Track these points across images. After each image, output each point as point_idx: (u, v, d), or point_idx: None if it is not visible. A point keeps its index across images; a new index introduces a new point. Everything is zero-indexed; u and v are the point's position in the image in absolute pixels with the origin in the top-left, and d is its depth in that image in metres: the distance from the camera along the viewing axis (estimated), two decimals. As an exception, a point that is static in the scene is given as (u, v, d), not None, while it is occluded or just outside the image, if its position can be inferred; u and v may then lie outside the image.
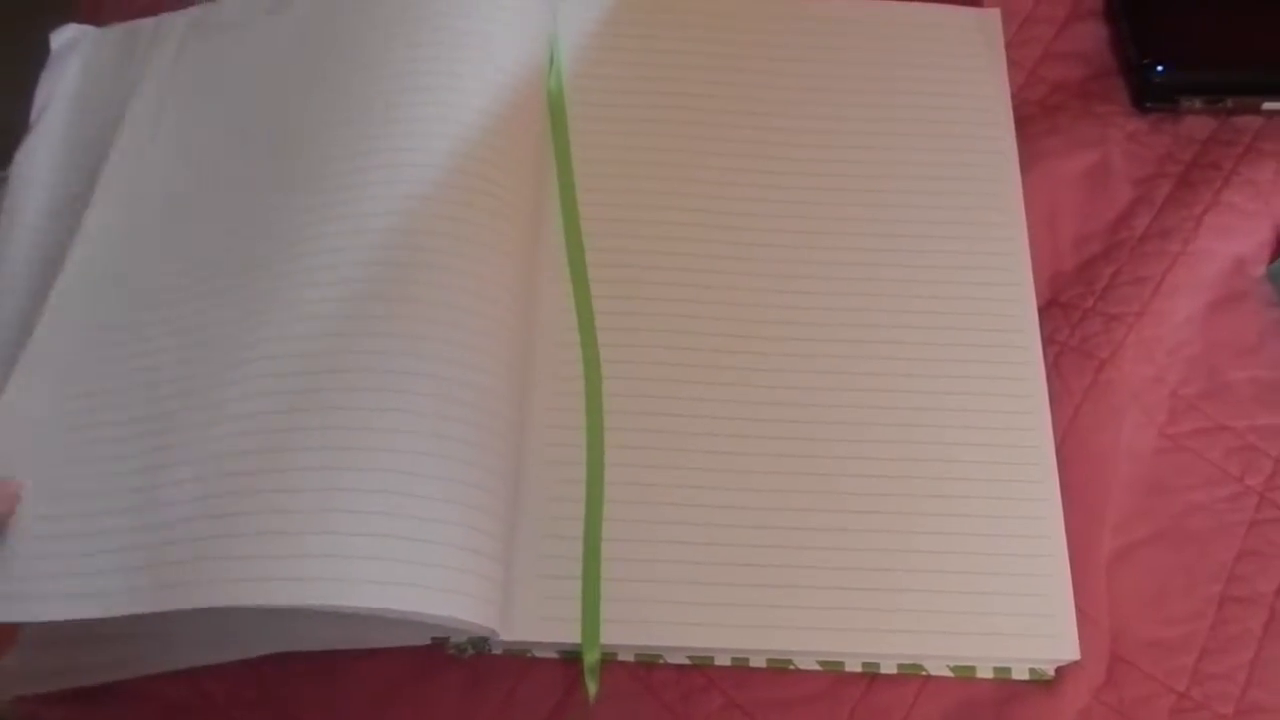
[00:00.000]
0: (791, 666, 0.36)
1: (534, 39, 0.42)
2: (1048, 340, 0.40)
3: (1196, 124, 0.44)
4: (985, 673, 0.35)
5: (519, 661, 0.36)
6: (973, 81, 0.44)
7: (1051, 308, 0.41)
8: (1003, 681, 0.35)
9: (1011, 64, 0.45)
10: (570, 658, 0.35)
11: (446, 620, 0.32)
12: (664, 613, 0.35)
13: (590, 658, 0.34)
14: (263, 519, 0.31)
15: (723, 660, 0.36)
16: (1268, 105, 0.43)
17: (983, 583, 0.35)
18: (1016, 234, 0.41)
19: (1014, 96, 0.44)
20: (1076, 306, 0.41)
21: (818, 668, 0.35)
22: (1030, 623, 0.35)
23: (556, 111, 0.43)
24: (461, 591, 0.32)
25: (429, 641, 0.35)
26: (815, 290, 0.40)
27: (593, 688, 0.34)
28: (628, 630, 0.35)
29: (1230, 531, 0.38)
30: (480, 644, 0.35)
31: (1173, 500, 0.38)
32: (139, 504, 0.33)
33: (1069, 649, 0.35)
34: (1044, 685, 0.35)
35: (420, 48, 0.39)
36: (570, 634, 0.34)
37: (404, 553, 0.31)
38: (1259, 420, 0.39)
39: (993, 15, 0.45)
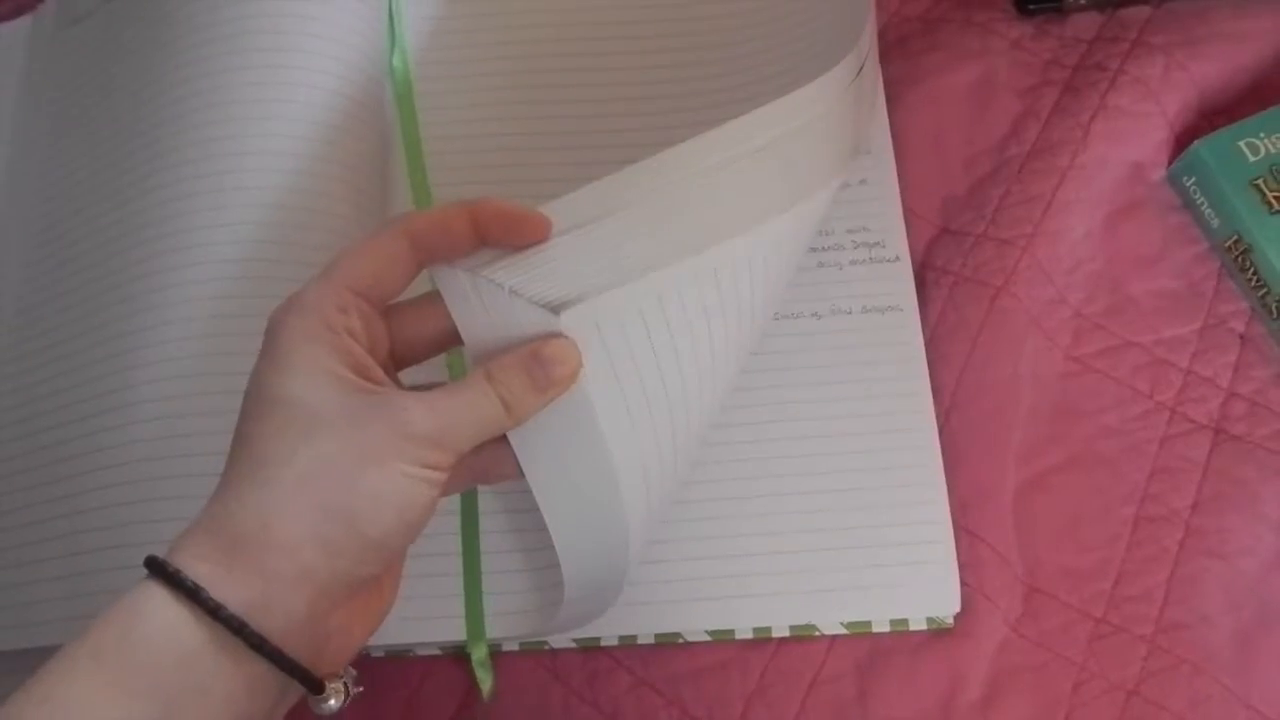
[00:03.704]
0: (680, 640, 0.35)
1: (370, 19, 0.40)
2: (941, 270, 0.38)
3: (1082, 22, 0.41)
4: (882, 626, 0.35)
5: (421, 663, 0.35)
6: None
7: (944, 236, 0.39)
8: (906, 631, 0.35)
9: (888, -22, 0.42)
10: (464, 655, 0.35)
11: None
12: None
13: (478, 653, 0.34)
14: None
15: (609, 641, 0.35)
16: (1157, -8, 0.41)
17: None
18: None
19: (894, 14, 0.42)
20: (968, 233, 0.39)
21: (707, 638, 0.35)
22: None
23: (402, 88, 0.40)
24: None
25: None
26: None
27: (486, 684, 0.34)
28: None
29: (1142, 450, 0.37)
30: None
31: (1083, 424, 0.37)
32: None
33: (950, 604, 0.34)
34: (959, 625, 0.35)
35: (252, 36, 0.37)
36: (449, 632, 0.34)
37: None
38: (1165, 333, 0.38)
39: None
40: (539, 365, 0.25)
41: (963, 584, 0.35)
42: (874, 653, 0.35)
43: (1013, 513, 0.36)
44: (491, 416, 0.25)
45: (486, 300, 0.26)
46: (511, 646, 0.35)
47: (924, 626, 0.35)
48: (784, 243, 0.32)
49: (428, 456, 0.24)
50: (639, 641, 0.35)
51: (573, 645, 0.35)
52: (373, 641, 0.32)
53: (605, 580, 0.31)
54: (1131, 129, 0.39)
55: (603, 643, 0.35)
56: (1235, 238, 0.37)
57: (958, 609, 0.34)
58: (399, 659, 0.35)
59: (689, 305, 0.28)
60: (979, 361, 0.37)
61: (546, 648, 0.35)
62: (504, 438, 0.27)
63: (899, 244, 0.39)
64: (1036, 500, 0.36)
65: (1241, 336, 0.38)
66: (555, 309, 0.26)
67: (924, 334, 0.38)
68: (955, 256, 0.38)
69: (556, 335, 0.26)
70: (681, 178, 0.28)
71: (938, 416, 0.37)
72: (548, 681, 0.35)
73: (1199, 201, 0.38)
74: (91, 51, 0.41)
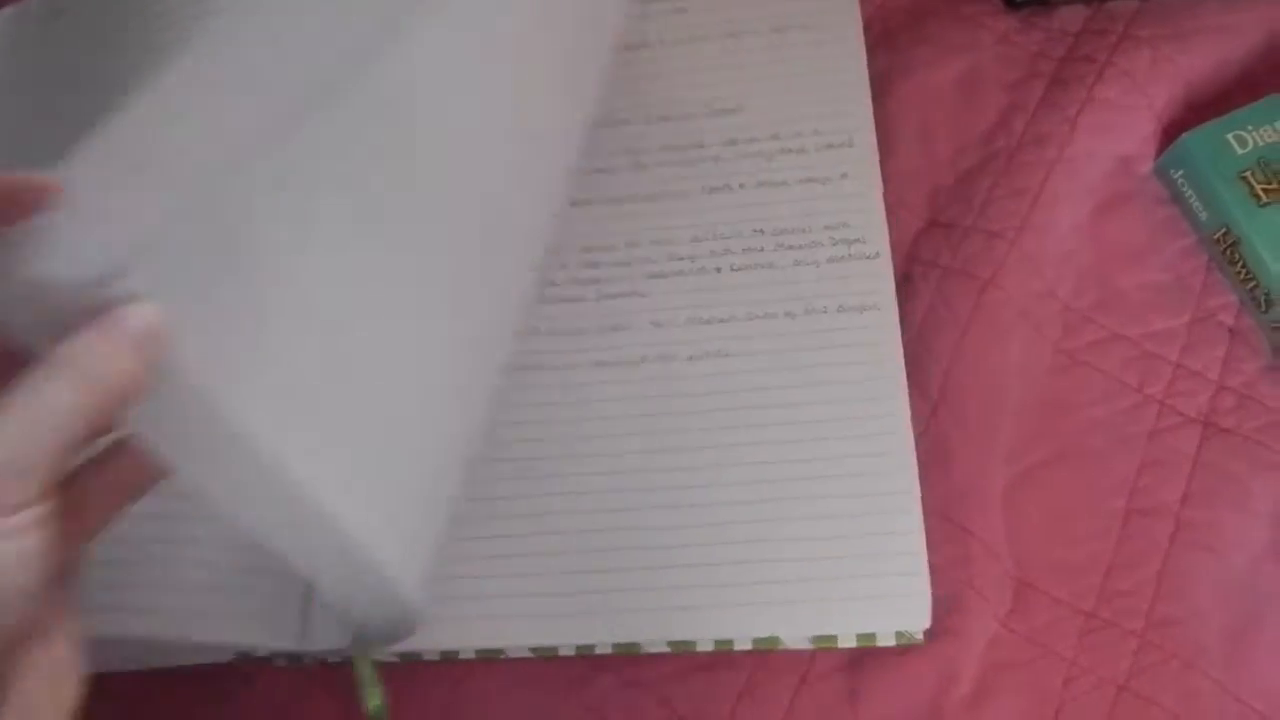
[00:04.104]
0: (640, 650, 0.34)
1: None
2: (929, 263, 0.38)
3: (1069, 15, 0.41)
4: (848, 641, 0.34)
5: (404, 666, 0.35)
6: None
7: (932, 228, 0.39)
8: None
9: (876, -31, 0.42)
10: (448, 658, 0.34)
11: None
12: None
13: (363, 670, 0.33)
14: None
15: (567, 651, 0.34)
16: (1144, -16, 0.40)
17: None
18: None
19: (880, 5, 0.42)
20: (956, 225, 0.39)
21: (667, 649, 0.34)
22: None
23: None
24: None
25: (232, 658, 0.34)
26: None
27: (374, 701, 0.33)
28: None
29: (1131, 444, 0.36)
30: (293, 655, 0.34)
31: (1071, 418, 0.37)
32: None
33: (921, 618, 0.33)
34: (950, 621, 0.34)
35: None
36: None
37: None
38: (1155, 326, 0.38)
39: None
40: (106, 340, 0.20)
41: (953, 579, 0.34)
42: (864, 650, 0.34)
43: (1002, 507, 0.36)
44: (70, 404, 0.19)
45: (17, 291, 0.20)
46: (468, 655, 0.34)
47: (892, 642, 0.34)
48: (461, 50, 0.27)
49: None
50: (596, 651, 0.34)
51: (529, 654, 0.34)
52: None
53: (362, 573, 0.27)
54: (1119, 122, 0.39)
55: (560, 652, 0.34)
56: (1224, 230, 0.37)
57: (928, 624, 0.33)
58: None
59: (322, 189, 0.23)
60: (968, 354, 0.37)
61: (503, 656, 0.34)
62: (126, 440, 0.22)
63: (880, 240, 0.38)
64: (1026, 494, 0.36)
65: (1230, 330, 0.37)
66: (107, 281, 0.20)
67: (911, 328, 0.37)
68: (943, 249, 0.38)
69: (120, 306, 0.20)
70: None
71: (925, 409, 0.36)
72: (527, 681, 0.34)
73: (1187, 194, 0.38)
74: (72, 43, 0.41)
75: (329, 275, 0.24)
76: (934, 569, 0.35)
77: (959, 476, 0.36)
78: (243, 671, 0.34)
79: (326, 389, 0.24)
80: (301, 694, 0.34)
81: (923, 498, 0.35)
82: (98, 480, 0.23)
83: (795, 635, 0.34)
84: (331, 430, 0.24)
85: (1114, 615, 0.35)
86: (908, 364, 0.37)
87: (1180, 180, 0.38)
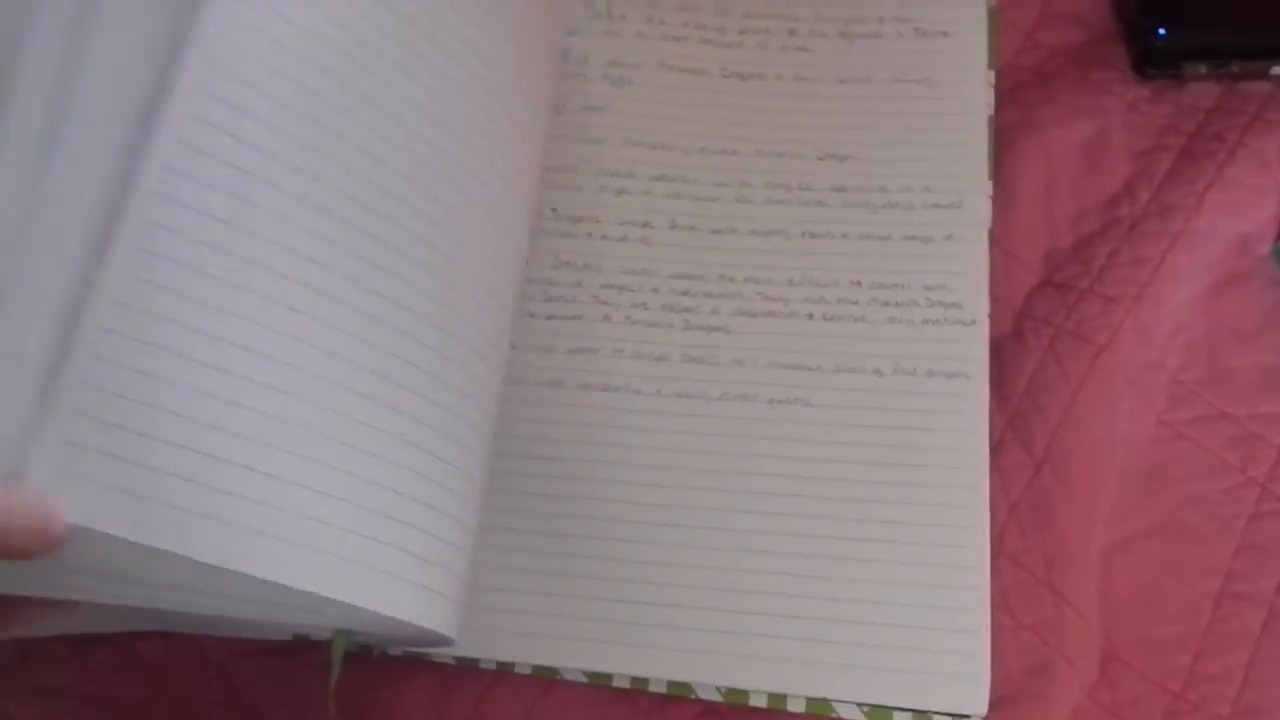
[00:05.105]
0: (691, 695, 0.33)
1: None
2: (1042, 321, 0.38)
3: (1201, 91, 0.41)
4: (903, 716, 0.33)
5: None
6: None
7: (1046, 287, 0.39)
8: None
9: (1007, 26, 0.42)
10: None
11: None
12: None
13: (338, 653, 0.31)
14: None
15: (621, 682, 0.34)
16: (1277, 69, 0.40)
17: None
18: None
19: (1008, 63, 0.42)
20: (1072, 287, 0.38)
21: (718, 697, 0.33)
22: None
23: None
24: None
25: (290, 637, 0.33)
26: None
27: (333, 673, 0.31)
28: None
29: (1229, 525, 0.36)
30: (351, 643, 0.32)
31: (1170, 491, 0.36)
32: None
33: (978, 703, 0.32)
34: (1037, 685, 0.33)
35: None
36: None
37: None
38: (1261, 408, 0.37)
39: None
40: None
41: (1043, 643, 0.34)
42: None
43: (1097, 575, 0.35)
44: None
45: None
46: (525, 670, 0.34)
47: None
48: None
49: None
50: (650, 688, 0.33)
51: (583, 679, 0.34)
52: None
53: (367, 620, 0.28)
54: (1245, 201, 0.39)
55: (614, 681, 0.34)
56: (1340, 320, 0.37)
57: (985, 711, 0.32)
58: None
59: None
60: (1077, 416, 0.36)
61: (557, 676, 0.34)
62: None
63: (978, 307, 0.37)
64: (1120, 564, 0.35)
65: (1335, 420, 0.37)
66: None
67: (1019, 384, 0.37)
68: (1057, 309, 0.38)
69: None
70: None
71: (1030, 467, 0.36)
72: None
73: (1304, 280, 0.38)
74: None
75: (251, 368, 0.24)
76: (1025, 630, 0.34)
77: (1058, 539, 0.35)
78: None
79: (274, 484, 0.24)
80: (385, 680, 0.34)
81: (1019, 556, 0.35)
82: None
83: (848, 699, 0.33)
84: (294, 520, 0.25)
85: (1200, 699, 0.34)
86: (1014, 419, 0.36)
87: (1299, 265, 0.38)
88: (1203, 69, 0.41)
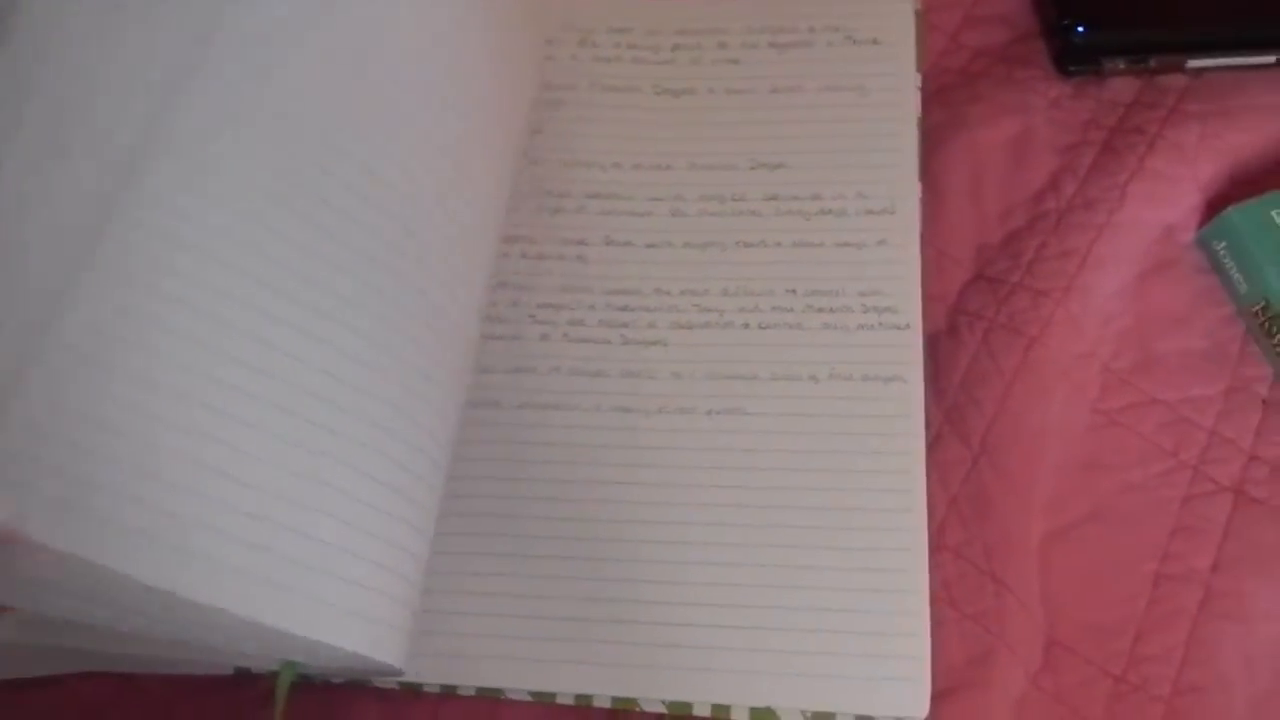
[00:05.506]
0: (636, 709, 0.33)
1: None
2: (975, 315, 0.39)
3: (1121, 86, 0.42)
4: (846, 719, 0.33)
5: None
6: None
7: (978, 282, 0.39)
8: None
9: (932, 29, 0.43)
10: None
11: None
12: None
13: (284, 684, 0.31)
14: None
15: (565, 700, 0.34)
16: (1192, 63, 0.42)
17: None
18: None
19: (934, 65, 0.43)
20: (1003, 281, 0.39)
21: (663, 709, 0.33)
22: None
23: None
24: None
25: (232, 671, 0.33)
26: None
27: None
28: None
29: (1164, 508, 0.37)
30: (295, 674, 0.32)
31: (1107, 478, 0.37)
32: None
33: (918, 706, 0.33)
34: (980, 673, 0.34)
35: None
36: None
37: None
38: (1191, 391, 0.38)
39: None
40: None
41: (984, 631, 0.34)
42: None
43: (1038, 563, 0.36)
44: None
45: None
46: (468, 692, 0.34)
47: None
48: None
49: None
50: (594, 704, 0.33)
51: (528, 698, 0.34)
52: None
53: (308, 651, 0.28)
54: (1166, 192, 0.40)
55: (558, 699, 0.34)
56: (1263, 304, 0.38)
57: (926, 712, 0.33)
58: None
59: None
60: (1012, 409, 0.37)
61: (504, 696, 0.34)
62: None
63: (912, 311, 0.38)
64: (1059, 552, 0.36)
65: (1264, 401, 0.38)
66: None
67: (955, 377, 0.38)
68: (989, 303, 0.39)
69: None
70: None
71: (967, 459, 0.36)
72: None
73: (1228, 266, 0.39)
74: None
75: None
76: (968, 620, 0.35)
77: (997, 529, 0.36)
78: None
79: (224, 511, 0.24)
80: (332, 710, 0.34)
81: (960, 548, 0.35)
82: None
83: (791, 707, 0.33)
84: (241, 549, 0.25)
85: (1142, 680, 0.34)
86: (951, 413, 0.37)
87: (1222, 252, 0.39)
88: (1121, 64, 0.42)
